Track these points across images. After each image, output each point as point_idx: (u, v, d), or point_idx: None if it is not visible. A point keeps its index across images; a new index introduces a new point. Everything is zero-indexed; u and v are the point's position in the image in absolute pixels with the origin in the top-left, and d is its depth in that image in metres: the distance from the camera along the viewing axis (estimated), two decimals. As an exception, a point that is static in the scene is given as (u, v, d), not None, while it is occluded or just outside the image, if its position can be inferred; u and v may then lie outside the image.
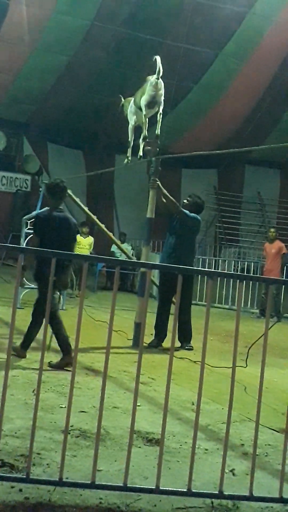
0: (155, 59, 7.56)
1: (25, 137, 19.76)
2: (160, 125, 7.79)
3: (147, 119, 7.86)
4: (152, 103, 7.73)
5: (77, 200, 10.84)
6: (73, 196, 10.80)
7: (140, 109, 7.99)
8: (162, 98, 7.73)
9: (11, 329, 2.88)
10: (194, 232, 7.74)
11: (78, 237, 12.65)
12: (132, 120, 8.47)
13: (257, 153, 19.98)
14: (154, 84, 7.63)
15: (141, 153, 8.26)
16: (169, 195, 7.44)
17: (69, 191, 10.76)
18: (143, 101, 7.72)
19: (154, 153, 7.62)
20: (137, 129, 8.51)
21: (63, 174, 15.42)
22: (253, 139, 17.61)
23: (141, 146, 8.14)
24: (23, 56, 16.39)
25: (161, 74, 7.58)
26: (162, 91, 7.69)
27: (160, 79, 7.63)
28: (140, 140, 8.26)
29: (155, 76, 7.64)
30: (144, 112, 7.83)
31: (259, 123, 19.20)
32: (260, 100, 18.80)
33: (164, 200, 7.44)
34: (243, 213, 21.98)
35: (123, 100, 8.69)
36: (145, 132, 7.87)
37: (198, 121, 19.07)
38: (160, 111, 7.78)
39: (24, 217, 10.18)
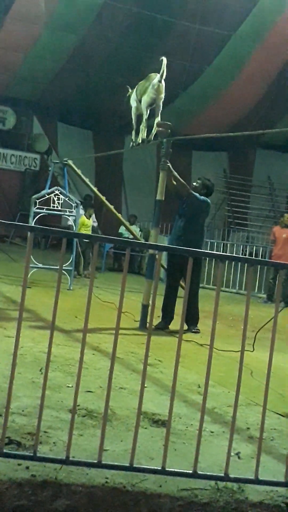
0: (162, 59, 7.53)
1: (35, 116, 19.69)
2: (154, 131, 7.84)
3: (147, 122, 7.92)
4: (152, 104, 7.79)
5: (86, 180, 10.82)
6: (83, 177, 10.80)
7: (140, 101, 8.05)
8: (162, 101, 7.77)
9: (21, 307, 2.88)
10: (204, 215, 7.70)
11: (84, 219, 12.73)
12: (133, 106, 8.49)
13: (269, 136, 19.89)
14: (156, 87, 7.64)
15: (140, 139, 8.30)
16: (179, 177, 7.40)
17: (79, 172, 10.79)
18: (144, 103, 7.79)
19: (165, 135, 7.58)
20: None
21: (72, 154, 15.40)
22: (265, 123, 17.48)
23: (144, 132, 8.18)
24: (34, 35, 16.27)
25: (164, 76, 7.56)
26: (162, 95, 7.75)
27: (163, 82, 7.63)
28: (141, 126, 8.26)
29: (157, 77, 7.62)
30: (145, 116, 7.89)
31: (272, 106, 19.05)
32: (272, 83, 18.64)
33: (174, 182, 7.40)
34: (252, 197, 21.89)
35: (130, 90, 8.65)
36: (145, 123, 7.92)
37: (210, 103, 18.93)
38: (159, 118, 7.79)
39: (33, 196, 10.16)
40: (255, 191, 22.09)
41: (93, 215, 13.14)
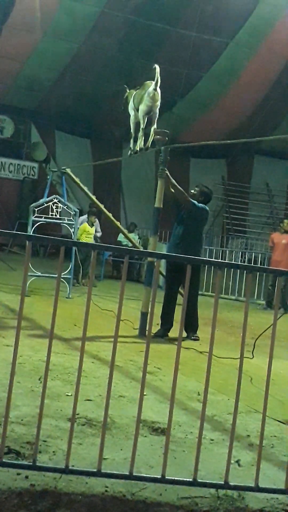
0: (155, 67, 7.55)
1: (33, 125, 19.73)
2: (151, 139, 7.85)
3: (143, 130, 7.93)
4: (148, 112, 7.82)
5: (85, 188, 10.83)
6: (81, 185, 10.80)
7: (137, 110, 8.09)
8: (158, 108, 7.80)
9: (19, 316, 2.87)
10: (202, 223, 7.71)
11: (86, 226, 12.74)
12: (132, 115, 8.50)
13: (266, 143, 19.94)
14: (151, 95, 7.66)
15: (138, 147, 8.26)
16: (177, 185, 7.40)
17: (77, 180, 10.81)
18: (140, 112, 7.83)
19: (163, 143, 7.59)
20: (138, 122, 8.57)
21: (70, 162, 15.43)
22: (262, 130, 17.53)
23: (141, 140, 8.18)
24: (32, 43, 16.34)
25: (159, 84, 7.58)
26: (158, 103, 7.76)
27: (158, 89, 7.64)
28: (139, 134, 8.25)
29: (152, 85, 7.63)
30: (142, 125, 7.92)
31: (269, 113, 19.10)
32: (270, 89, 18.70)
33: (173, 190, 7.41)
34: (251, 204, 21.91)
35: (128, 91, 8.66)
36: (141, 142, 7.95)
37: (208, 110, 18.98)
38: (155, 125, 7.81)
39: (32, 205, 10.17)
40: (253, 197, 22.11)
41: (98, 225, 13.10)
